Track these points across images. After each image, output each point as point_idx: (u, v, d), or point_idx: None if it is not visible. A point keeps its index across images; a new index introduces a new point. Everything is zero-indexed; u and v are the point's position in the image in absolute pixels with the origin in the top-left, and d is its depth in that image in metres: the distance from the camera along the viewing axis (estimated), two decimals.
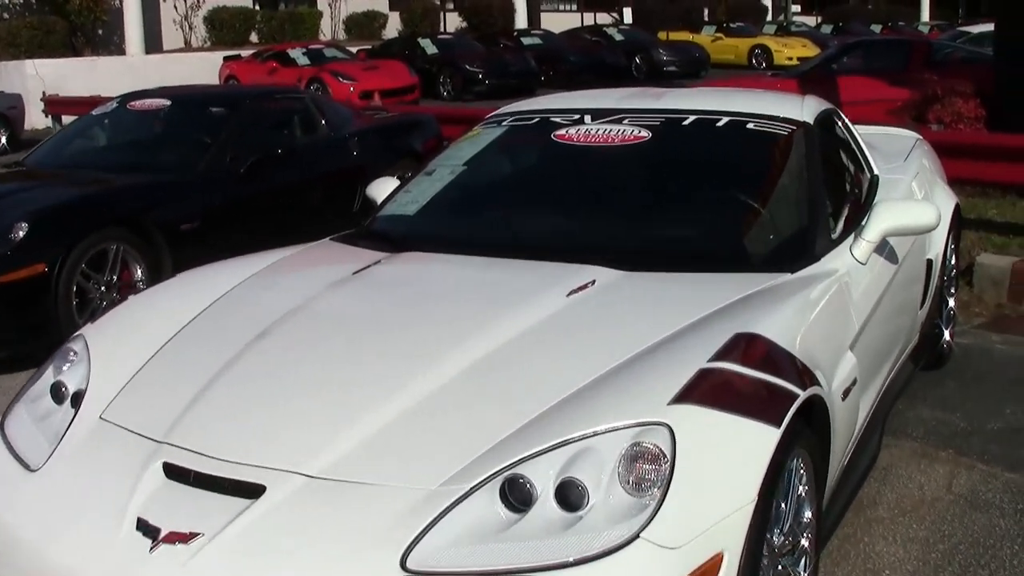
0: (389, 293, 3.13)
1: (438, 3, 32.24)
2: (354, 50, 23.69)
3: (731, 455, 2.24)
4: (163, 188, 6.25)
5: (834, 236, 3.38)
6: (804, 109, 3.86)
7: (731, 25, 31.43)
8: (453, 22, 32.64)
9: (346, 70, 20.20)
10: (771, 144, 3.69)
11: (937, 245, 4.50)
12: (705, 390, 2.31)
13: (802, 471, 2.58)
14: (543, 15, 34.78)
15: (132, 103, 7.26)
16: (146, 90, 7.63)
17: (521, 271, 3.16)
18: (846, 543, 3.35)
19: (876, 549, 3.34)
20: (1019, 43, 9.25)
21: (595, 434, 2.18)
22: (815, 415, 2.64)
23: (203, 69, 21.89)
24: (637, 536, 2.03)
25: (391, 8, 31.19)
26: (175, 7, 26.08)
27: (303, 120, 7.65)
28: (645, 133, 3.67)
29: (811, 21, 39.58)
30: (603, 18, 35.44)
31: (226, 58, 22.61)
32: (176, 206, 6.21)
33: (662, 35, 29.97)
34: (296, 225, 6.51)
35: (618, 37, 27.67)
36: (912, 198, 4.32)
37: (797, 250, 3.23)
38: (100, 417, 2.63)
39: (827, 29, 33.55)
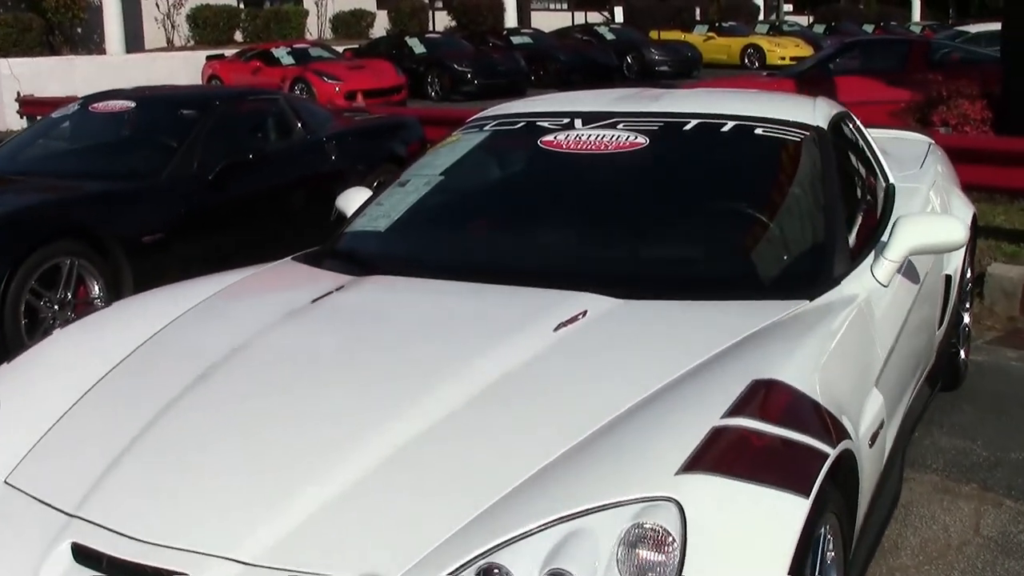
0: (348, 328, 2.74)
1: (427, 2, 31.92)
2: (340, 49, 23.35)
3: (754, 535, 1.86)
4: (124, 196, 5.83)
5: (852, 255, 3.02)
6: (816, 112, 3.50)
7: (723, 25, 31.23)
8: (442, 21, 32.31)
9: (331, 70, 19.85)
10: (782, 152, 3.32)
11: (955, 259, 4.16)
12: (720, 455, 1.93)
13: (830, 537, 2.21)
14: (533, 14, 34.44)
15: (94, 105, 6.84)
16: (110, 91, 7.23)
17: (502, 300, 2.78)
18: None
19: None
20: None
21: (587, 512, 1.81)
22: (842, 469, 2.27)
23: (185, 69, 21.56)
24: None
25: (379, 6, 30.86)
26: (157, 5, 25.65)
27: (277, 123, 7.25)
28: (642, 139, 3.31)
29: (803, 21, 39.32)
30: (594, 17, 35.14)
31: (209, 57, 22.25)
32: (138, 216, 5.78)
33: (654, 34, 29.77)
34: (270, 235, 6.20)
35: (609, 36, 27.47)
36: (933, 210, 3.98)
37: (815, 273, 2.86)
38: (4, 481, 2.26)
39: (819, 29, 33.28)
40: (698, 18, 35.15)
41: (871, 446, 2.59)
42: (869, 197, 3.63)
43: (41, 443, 2.35)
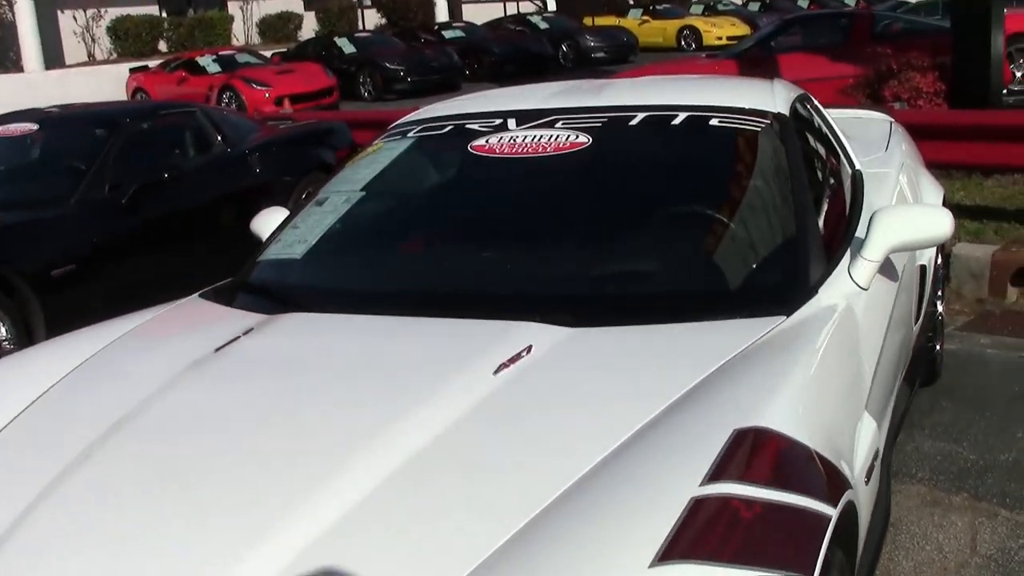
0: (253, 383, 2.33)
1: (355, 0, 31.36)
2: (268, 54, 22.82)
3: None
4: (28, 228, 5.34)
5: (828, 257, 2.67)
6: (776, 96, 3.16)
7: (657, 7, 30.91)
8: (372, 19, 31.78)
9: (259, 76, 19.26)
10: (742, 143, 2.97)
11: (930, 249, 3.82)
12: (702, 534, 1.56)
13: None
14: (464, 7, 33.99)
15: None
16: (7, 113, 6.70)
17: (435, 337, 2.38)
18: None
19: None
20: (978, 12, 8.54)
21: None
22: (845, 527, 1.90)
23: (109, 83, 21.00)
24: None
25: (306, 8, 30.30)
26: (74, 18, 24.88)
27: (195, 137, 6.77)
28: (584, 138, 2.95)
29: None
30: (526, 6, 34.77)
31: (132, 70, 21.61)
32: (44, 248, 5.30)
33: (588, 21, 29.46)
34: (194, 260, 5.76)
35: (543, 25, 27.11)
36: (903, 196, 3.66)
37: (790, 283, 2.50)
38: None
39: (755, 7, 33.09)
40: (631, 2, 34.87)
41: (867, 483, 2.25)
42: (837, 187, 3.29)
43: None
